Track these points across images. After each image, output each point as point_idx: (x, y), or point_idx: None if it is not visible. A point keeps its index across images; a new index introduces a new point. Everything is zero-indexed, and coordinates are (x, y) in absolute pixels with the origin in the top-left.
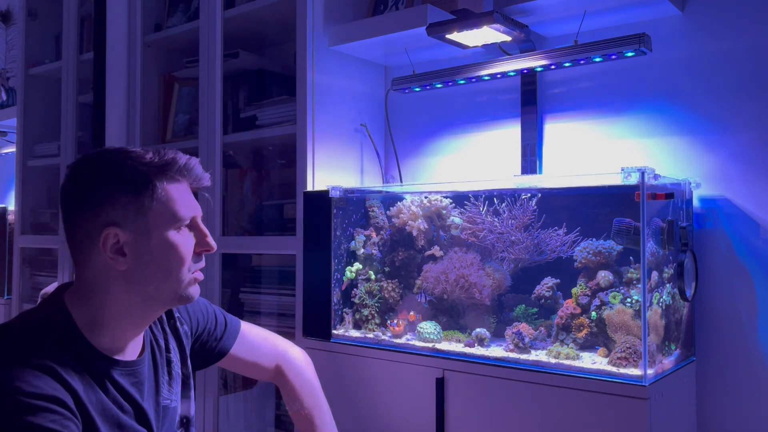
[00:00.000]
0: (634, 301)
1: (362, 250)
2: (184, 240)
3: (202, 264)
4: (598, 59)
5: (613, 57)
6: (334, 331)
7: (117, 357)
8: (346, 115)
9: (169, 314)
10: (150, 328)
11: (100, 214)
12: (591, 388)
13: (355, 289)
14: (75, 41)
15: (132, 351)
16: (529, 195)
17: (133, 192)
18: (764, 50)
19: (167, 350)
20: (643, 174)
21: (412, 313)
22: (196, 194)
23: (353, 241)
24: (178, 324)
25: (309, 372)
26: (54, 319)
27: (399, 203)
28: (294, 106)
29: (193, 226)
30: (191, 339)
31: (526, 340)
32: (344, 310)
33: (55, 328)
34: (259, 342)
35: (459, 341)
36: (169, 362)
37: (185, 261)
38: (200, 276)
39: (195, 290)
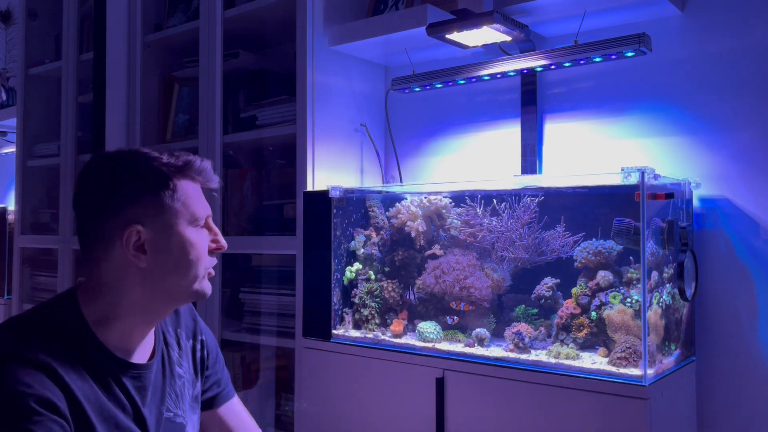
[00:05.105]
0: (634, 301)
1: (362, 250)
2: (200, 237)
3: (215, 261)
4: (598, 59)
5: (613, 57)
6: (334, 331)
7: (123, 357)
8: (346, 115)
9: (195, 336)
10: (165, 341)
11: (123, 213)
12: (591, 388)
13: (355, 289)
14: (75, 41)
15: (140, 355)
16: (529, 196)
17: (155, 191)
18: (764, 50)
19: (179, 365)
20: (643, 174)
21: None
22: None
23: (353, 241)
24: (198, 346)
25: None
26: (64, 314)
27: (398, 203)
28: (294, 106)
29: (205, 225)
30: (202, 372)
31: (526, 340)
32: (344, 310)
33: (64, 323)
34: (245, 417)
35: (459, 341)
36: (179, 377)
37: (202, 258)
38: (212, 272)
39: (208, 286)
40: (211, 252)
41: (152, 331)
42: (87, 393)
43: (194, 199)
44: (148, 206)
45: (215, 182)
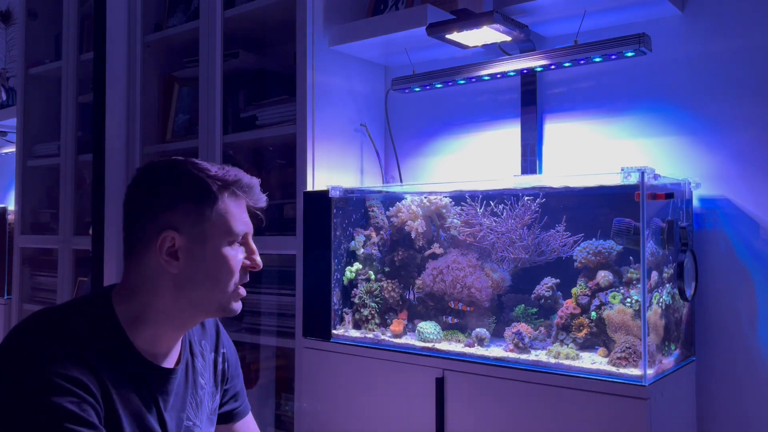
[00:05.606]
0: (634, 301)
1: (362, 250)
2: (234, 254)
3: (246, 279)
4: (598, 59)
5: (613, 57)
6: (334, 331)
7: (151, 360)
8: (346, 115)
9: (217, 349)
10: (191, 350)
11: (162, 217)
12: (591, 388)
13: (355, 289)
14: (75, 41)
15: (167, 360)
16: (529, 196)
17: (196, 200)
18: (764, 50)
19: (202, 376)
20: (643, 174)
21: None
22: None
23: (353, 241)
24: (220, 359)
25: None
26: (98, 312)
27: (398, 203)
28: (294, 106)
29: (244, 242)
30: (222, 385)
31: (526, 340)
32: (344, 310)
33: (97, 318)
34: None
35: (459, 341)
36: (201, 387)
37: (233, 274)
38: (243, 292)
39: (238, 305)
40: (244, 269)
41: (180, 338)
42: (118, 385)
43: (234, 215)
44: (186, 214)
45: (262, 201)
